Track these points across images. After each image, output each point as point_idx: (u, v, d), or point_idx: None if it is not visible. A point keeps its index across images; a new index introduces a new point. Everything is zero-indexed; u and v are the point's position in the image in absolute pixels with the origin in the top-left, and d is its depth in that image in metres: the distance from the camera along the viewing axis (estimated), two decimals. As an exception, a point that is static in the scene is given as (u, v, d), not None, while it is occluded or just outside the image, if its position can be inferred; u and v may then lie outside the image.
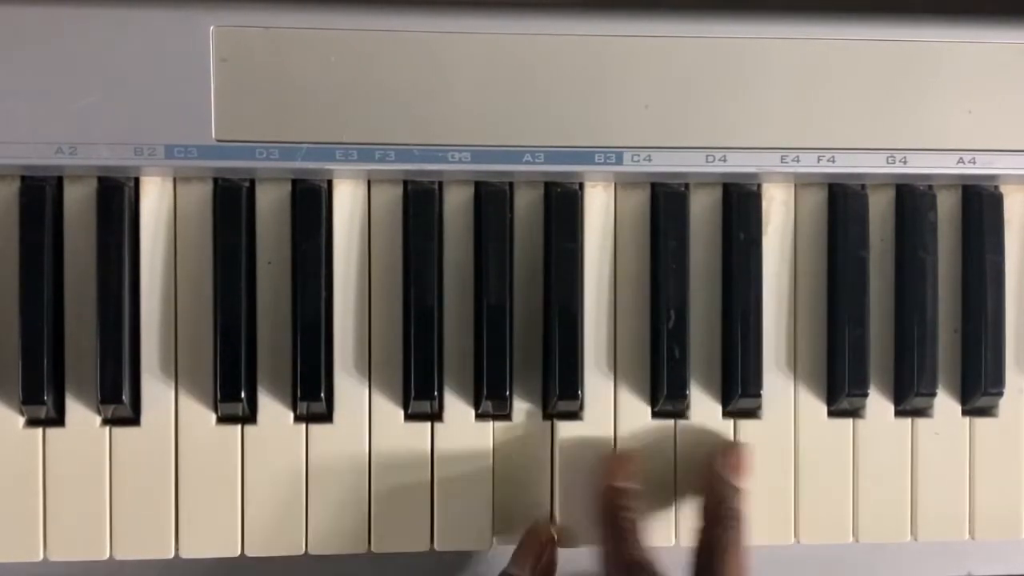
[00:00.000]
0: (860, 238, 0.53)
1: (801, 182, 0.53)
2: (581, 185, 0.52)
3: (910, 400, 0.53)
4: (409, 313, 0.51)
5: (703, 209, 0.53)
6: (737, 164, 0.51)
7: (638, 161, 0.50)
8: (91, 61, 0.48)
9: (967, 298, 0.54)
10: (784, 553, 0.55)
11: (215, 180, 0.51)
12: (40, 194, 0.49)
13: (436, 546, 0.52)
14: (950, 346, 0.54)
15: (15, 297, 0.49)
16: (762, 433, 0.53)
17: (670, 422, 0.53)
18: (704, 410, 0.53)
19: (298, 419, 0.51)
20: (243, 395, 0.50)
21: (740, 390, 0.52)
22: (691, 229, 0.53)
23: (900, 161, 0.51)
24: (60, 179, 0.50)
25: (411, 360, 0.51)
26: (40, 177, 0.49)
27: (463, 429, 0.52)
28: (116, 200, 0.50)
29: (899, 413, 0.54)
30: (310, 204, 0.51)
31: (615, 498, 0.50)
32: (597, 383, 0.53)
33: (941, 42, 0.51)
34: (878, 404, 0.54)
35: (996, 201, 0.54)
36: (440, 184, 0.52)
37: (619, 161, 0.50)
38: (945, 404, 0.54)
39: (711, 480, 0.51)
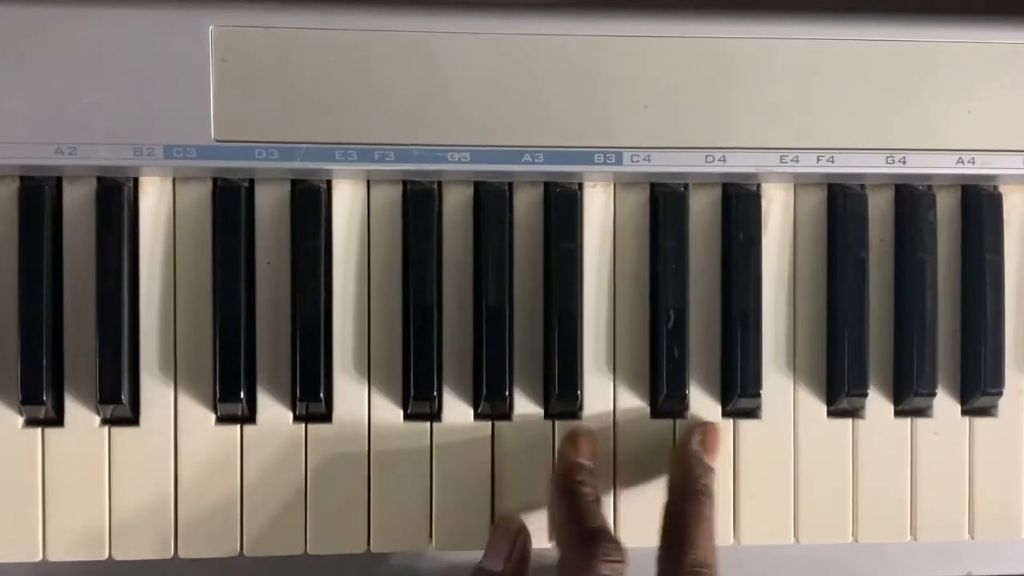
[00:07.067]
0: (860, 238, 0.53)
1: (800, 182, 0.53)
2: (580, 185, 0.52)
3: (910, 400, 0.53)
4: (409, 313, 0.51)
5: (703, 209, 0.53)
6: (737, 164, 0.51)
7: (637, 161, 0.50)
8: (91, 61, 0.48)
9: (967, 298, 0.54)
10: (784, 553, 0.55)
11: (214, 180, 0.51)
12: (39, 194, 0.49)
13: (435, 546, 0.52)
14: (949, 346, 0.54)
15: (14, 297, 0.49)
16: (762, 433, 0.53)
17: (669, 422, 0.53)
18: (704, 410, 0.53)
19: (298, 419, 0.51)
20: (242, 395, 0.50)
21: (740, 390, 0.52)
22: (691, 229, 0.53)
23: (900, 161, 0.51)
24: (59, 179, 0.50)
25: (411, 360, 0.51)
26: (39, 177, 0.49)
27: (462, 429, 0.52)
28: (115, 200, 0.50)
29: (899, 413, 0.54)
30: (310, 204, 0.51)
31: (574, 472, 0.50)
32: (597, 383, 0.53)
33: (941, 42, 0.51)
34: (878, 404, 0.54)
35: (996, 201, 0.54)
36: (439, 184, 0.52)
37: (619, 161, 0.50)
38: (945, 404, 0.54)
39: (684, 456, 0.51)
